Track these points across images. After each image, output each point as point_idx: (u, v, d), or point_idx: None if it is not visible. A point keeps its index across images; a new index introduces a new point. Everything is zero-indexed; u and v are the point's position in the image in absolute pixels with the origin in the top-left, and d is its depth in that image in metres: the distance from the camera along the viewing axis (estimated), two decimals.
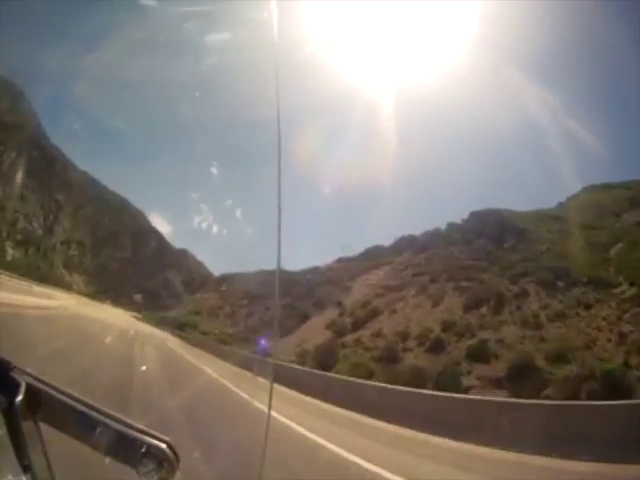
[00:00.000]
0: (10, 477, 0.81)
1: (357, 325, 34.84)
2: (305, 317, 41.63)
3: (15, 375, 0.90)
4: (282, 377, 13.80)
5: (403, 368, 20.44)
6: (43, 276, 47.10)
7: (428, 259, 43.36)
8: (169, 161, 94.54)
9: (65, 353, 8.01)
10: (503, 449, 6.61)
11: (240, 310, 56.63)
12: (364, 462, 5.57)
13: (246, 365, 15.90)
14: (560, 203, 56.96)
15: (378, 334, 31.19)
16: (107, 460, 0.88)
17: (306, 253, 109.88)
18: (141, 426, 0.88)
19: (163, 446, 0.83)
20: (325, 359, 22.72)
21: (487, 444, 6.84)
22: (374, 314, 35.71)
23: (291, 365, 18.22)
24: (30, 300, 17.52)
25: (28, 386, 0.88)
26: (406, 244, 49.57)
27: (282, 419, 7.60)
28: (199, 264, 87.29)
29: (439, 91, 64.54)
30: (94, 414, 0.87)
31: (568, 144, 63.34)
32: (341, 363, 21.13)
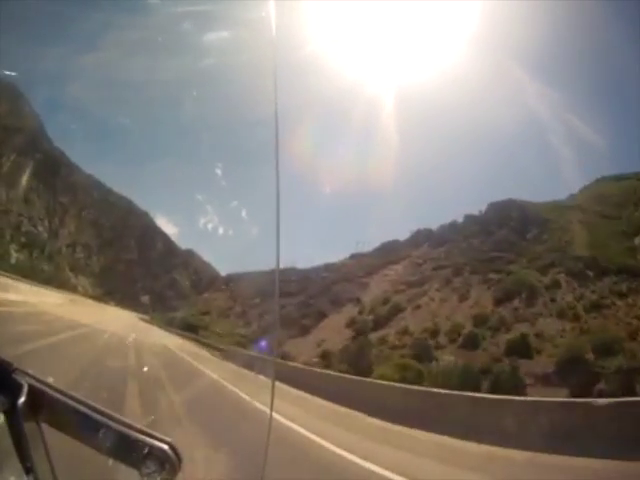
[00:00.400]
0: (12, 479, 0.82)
1: (379, 323, 33.29)
2: (322, 315, 40.11)
3: (17, 377, 0.89)
4: (332, 392, 10.74)
5: (451, 367, 18.74)
6: (48, 279, 45.99)
7: (448, 252, 41.80)
8: (172, 162, 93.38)
9: None
10: None
11: (252, 310, 55.20)
12: None
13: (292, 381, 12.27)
14: (572, 195, 55.66)
15: (404, 332, 29.66)
16: (109, 461, 0.86)
17: (319, 250, 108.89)
18: (143, 427, 0.86)
19: (165, 447, 0.82)
20: (356, 360, 21.02)
21: None
22: (397, 311, 34.17)
23: (341, 375, 14.27)
24: None
25: (30, 388, 0.87)
26: (423, 238, 48.02)
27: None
28: (206, 264, 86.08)
29: (446, 84, 63.33)
30: (96, 415, 0.86)
31: (575, 138, 61.96)
32: (382, 365, 19.33)
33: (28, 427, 0.85)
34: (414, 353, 25.03)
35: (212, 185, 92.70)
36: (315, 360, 31.07)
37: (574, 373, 19.58)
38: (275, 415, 6.50)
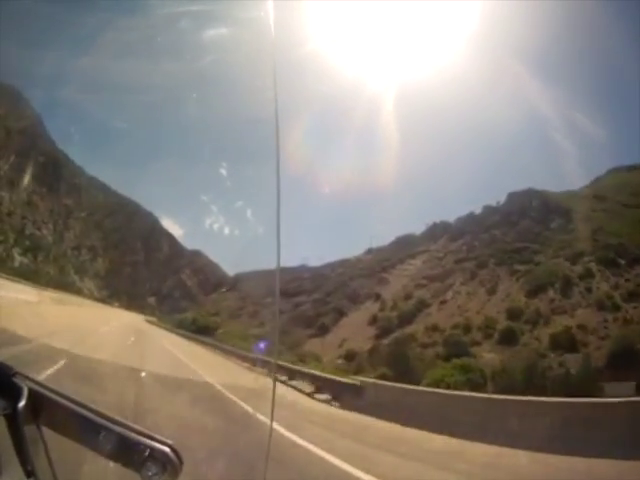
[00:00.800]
0: None
1: (404, 319, 31.89)
2: (341, 313, 38.70)
3: (17, 381, 0.89)
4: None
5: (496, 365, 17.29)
6: (53, 282, 44.78)
7: (469, 244, 40.40)
8: (175, 163, 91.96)
9: None
10: None
11: (264, 309, 53.88)
12: None
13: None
14: (586, 186, 54.44)
15: (434, 328, 28.25)
16: (110, 464, 0.85)
17: (330, 247, 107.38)
18: (144, 429, 0.85)
19: (166, 449, 0.81)
20: (394, 362, 19.50)
21: None
22: (422, 306, 32.79)
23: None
24: None
25: (30, 391, 0.87)
26: (440, 231, 46.57)
27: None
28: (213, 264, 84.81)
29: (455, 74, 61.89)
30: (97, 418, 0.85)
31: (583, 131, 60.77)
32: (430, 367, 17.76)
33: (29, 430, 0.84)
34: (448, 351, 23.68)
35: (216, 185, 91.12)
36: (339, 362, 29.61)
37: (627, 367, 18.23)
38: None
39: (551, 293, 28.11)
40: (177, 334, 39.78)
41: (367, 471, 4.56)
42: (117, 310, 60.40)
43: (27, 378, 0.91)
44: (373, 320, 34.44)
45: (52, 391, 0.92)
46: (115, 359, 9.30)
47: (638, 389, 15.58)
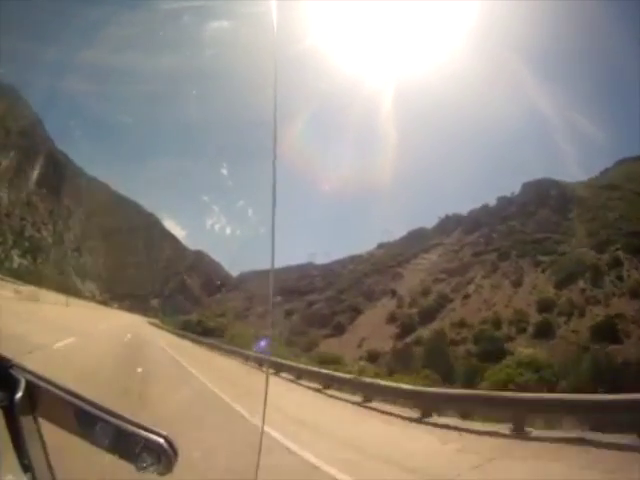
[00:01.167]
0: (10, 477, 0.83)
1: (426, 316, 30.60)
2: (356, 311, 37.37)
3: (14, 372, 0.90)
4: None
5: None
6: (52, 284, 43.18)
7: (486, 236, 39.21)
8: (176, 163, 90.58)
9: None
10: None
11: (273, 309, 52.49)
12: None
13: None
14: (596, 177, 53.54)
15: (461, 324, 27.00)
16: (106, 455, 0.86)
17: (338, 244, 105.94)
18: (139, 421, 0.86)
19: (161, 441, 0.82)
20: (433, 362, 18.13)
21: None
22: (443, 301, 31.55)
23: None
24: None
25: (27, 383, 0.88)
26: (453, 223, 45.38)
27: None
28: (216, 265, 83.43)
29: (462, 69, 61.01)
30: (93, 410, 0.87)
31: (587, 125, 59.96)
32: (490, 366, 16.26)
33: (25, 422, 0.86)
34: (481, 348, 22.48)
35: (217, 185, 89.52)
36: (362, 363, 28.18)
37: None
38: None
39: (581, 283, 26.99)
40: (177, 335, 38.26)
41: None
42: (118, 312, 58.81)
43: (24, 370, 0.90)
44: (391, 318, 33.17)
45: (49, 383, 0.89)
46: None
47: None
